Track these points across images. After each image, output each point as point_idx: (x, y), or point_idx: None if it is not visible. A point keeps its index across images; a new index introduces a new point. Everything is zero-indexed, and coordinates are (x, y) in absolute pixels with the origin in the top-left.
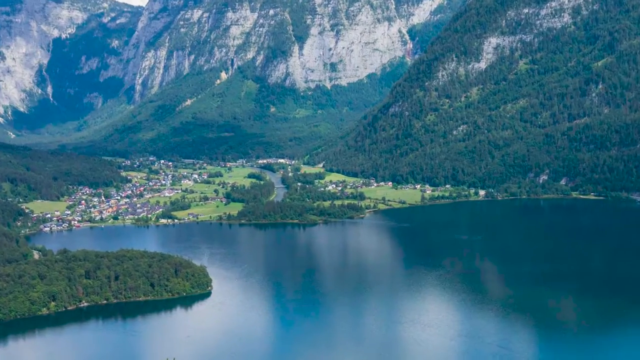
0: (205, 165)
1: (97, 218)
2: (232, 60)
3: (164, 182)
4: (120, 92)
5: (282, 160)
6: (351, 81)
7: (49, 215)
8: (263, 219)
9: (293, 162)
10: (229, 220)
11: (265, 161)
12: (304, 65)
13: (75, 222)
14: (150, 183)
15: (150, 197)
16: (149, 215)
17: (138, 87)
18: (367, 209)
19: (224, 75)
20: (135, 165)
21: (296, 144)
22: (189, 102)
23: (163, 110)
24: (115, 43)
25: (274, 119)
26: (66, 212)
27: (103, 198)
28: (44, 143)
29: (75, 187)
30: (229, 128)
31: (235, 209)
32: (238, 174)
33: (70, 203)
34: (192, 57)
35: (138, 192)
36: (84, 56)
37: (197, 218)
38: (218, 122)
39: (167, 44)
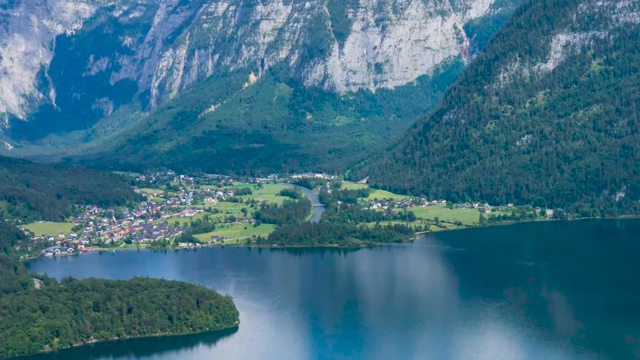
0: (231, 180)
1: (107, 242)
2: (262, 60)
3: (184, 200)
4: (134, 96)
5: (319, 176)
6: (399, 84)
7: (51, 239)
8: (298, 242)
9: (332, 177)
10: (259, 244)
11: (300, 176)
12: (344, 66)
13: (82, 247)
14: (169, 201)
15: (168, 218)
16: (167, 239)
17: (154, 91)
18: (417, 231)
19: (252, 77)
20: (151, 181)
21: (336, 156)
22: (212, 108)
23: (183, 117)
24: (128, 41)
25: (310, 128)
26: (72, 234)
27: (114, 219)
28: (46, 155)
29: (82, 206)
30: (258, 138)
31: (265, 231)
32: (269, 191)
33: (77, 224)
34: (217, 56)
35: (154, 212)
36: (92, 55)
37: (222, 241)
38: (246, 131)
39: (187, 42)
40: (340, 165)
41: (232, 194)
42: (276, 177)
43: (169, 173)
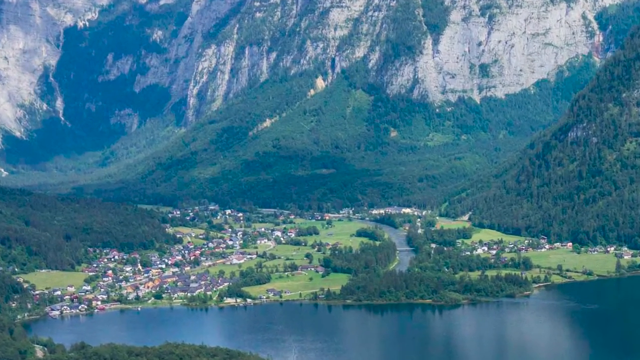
0: (292, 217)
1: (131, 297)
2: (333, 60)
3: (230, 242)
4: (166, 108)
5: (407, 210)
6: (511, 91)
7: (58, 293)
8: (379, 297)
9: (424, 212)
10: (328, 299)
11: (382, 211)
12: (440, 68)
13: (98, 303)
14: (211, 244)
15: (210, 266)
16: (209, 293)
17: (192, 101)
18: (535, 282)
19: (320, 82)
20: (188, 218)
21: (429, 185)
22: (268, 122)
23: (230, 135)
24: (157, 35)
25: (396, 148)
26: (84, 287)
27: (140, 267)
28: (52, 184)
29: (97, 251)
30: (327, 162)
31: (337, 282)
32: (342, 231)
33: (91, 274)
34: (273, 55)
35: (192, 258)
36: (110, 54)
37: (281, 296)
38: (312, 152)
39: (235, 37)
40: (434, 198)
41: (293, 235)
42: (351, 212)
43: (211, 207)
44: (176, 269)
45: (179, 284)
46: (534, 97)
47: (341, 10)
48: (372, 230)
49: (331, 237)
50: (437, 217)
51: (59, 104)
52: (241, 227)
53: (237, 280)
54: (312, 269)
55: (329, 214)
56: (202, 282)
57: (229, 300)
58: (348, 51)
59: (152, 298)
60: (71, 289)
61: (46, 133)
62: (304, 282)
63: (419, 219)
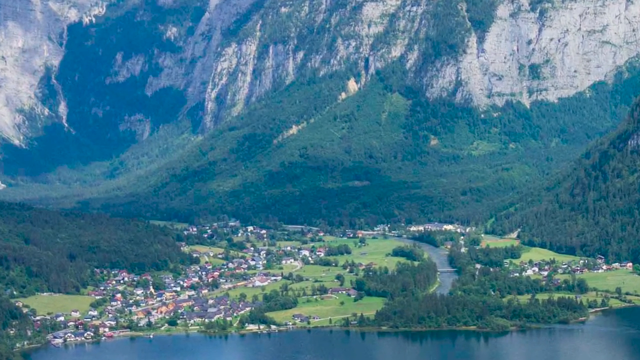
0: (321, 234)
1: (143, 323)
2: (367, 60)
3: (253, 262)
4: (181, 113)
5: (449, 227)
6: (564, 95)
7: (61, 319)
8: (417, 324)
9: (468, 229)
10: (361, 326)
11: (421, 228)
12: (485, 69)
13: (106, 330)
14: (231, 265)
15: (230, 289)
16: (229, 319)
17: (210, 105)
18: (591, 307)
19: (352, 85)
20: (206, 235)
21: (473, 199)
22: (294, 129)
23: (252, 143)
24: (172, 32)
25: (436, 158)
26: (91, 312)
27: (152, 290)
28: (54, 198)
29: (105, 272)
30: (361, 173)
31: (371, 307)
32: (376, 250)
33: (98, 298)
34: (300, 55)
35: (210, 280)
36: (119, 53)
37: (309, 323)
38: (343, 162)
39: (258, 34)
40: (479, 213)
41: (322, 254)
42: (386, 229)
43: (231, 224)
44: (192, 292)
45: (195, 308)
46: (589, 101)
47: (375, 4)
48: (409, 249)
49: (364, 256)
50: (483, 235)
51: (62, 108)
52: (264, 245)
53: (260, 305)
54: (344, 292)
55: (362, 231)
56: (221, 307)
57: (251, 327)
58: (383, 50)
59: (166, 324)
60: (76, 315)
61: (48, 141)
62: (334, 306)
63: (462, 237)
